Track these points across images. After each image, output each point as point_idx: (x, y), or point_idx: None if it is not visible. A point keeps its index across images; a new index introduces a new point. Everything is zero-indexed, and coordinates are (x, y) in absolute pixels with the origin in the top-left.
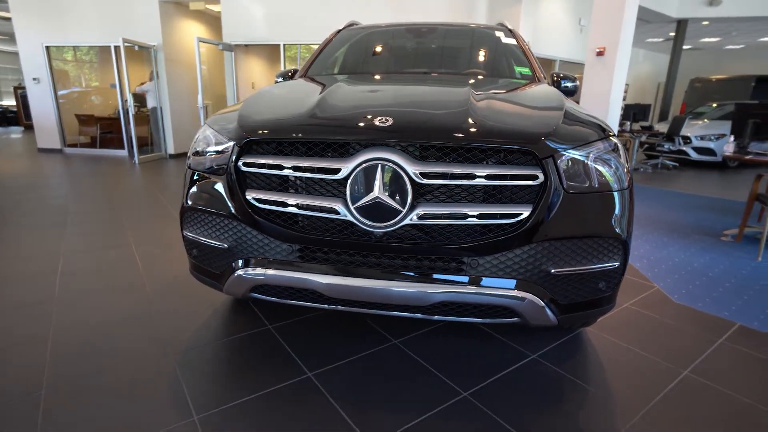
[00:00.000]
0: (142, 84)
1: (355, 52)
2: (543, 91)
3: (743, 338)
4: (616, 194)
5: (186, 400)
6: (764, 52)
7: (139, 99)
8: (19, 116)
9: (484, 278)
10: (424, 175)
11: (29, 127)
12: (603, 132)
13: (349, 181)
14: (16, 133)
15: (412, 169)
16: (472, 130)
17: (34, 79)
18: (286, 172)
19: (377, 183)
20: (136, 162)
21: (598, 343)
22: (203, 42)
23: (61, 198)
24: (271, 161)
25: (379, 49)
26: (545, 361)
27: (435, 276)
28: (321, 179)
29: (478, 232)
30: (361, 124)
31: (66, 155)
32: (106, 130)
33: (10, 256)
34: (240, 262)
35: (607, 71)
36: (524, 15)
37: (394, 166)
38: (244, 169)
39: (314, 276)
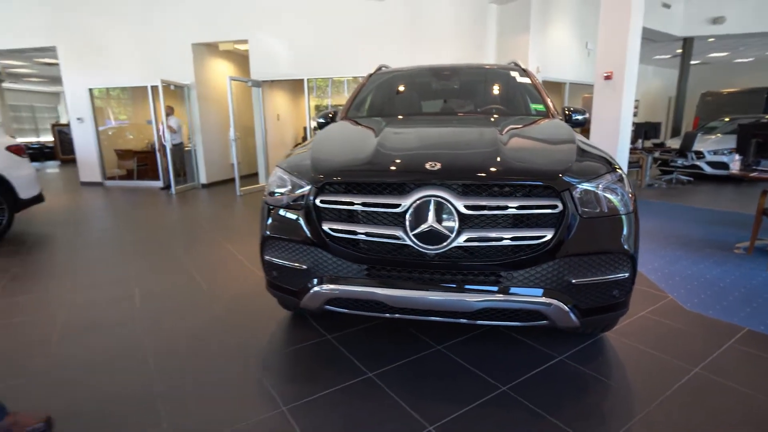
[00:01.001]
0: (168, 118)
1: (389, 95)
2: (557, 127)
3: (750, 341)
4: (623, 217)
5: (272, 395)
6: None
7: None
8: (56, 151)
9: (518, 288)
10: (467, 207)
11: (65, 162)
12: (610, 165)
13: (408, 214)
14: (53, 167)
15: (458, 202)
16: (504, 170)
17: (78, 118)
18: (356, 207)
19: (431, 214)
20: (173, 192)
21: (616, 346)
22: (234, 80)
23: (115, 228)
24: (344, 198)
25: (409, 91)
26: (571, 362)
27: (478, 287)
28: (384, 212)
29: (511, 251)
30: (416, 169)
31: (106, 188)
32: (141, 163)
33: (87, 284)
34: (315, 280)
35: (615, 94)
36: (532, 43)
37: (444, 201)
38: (320, 205)
39: (380, 289)
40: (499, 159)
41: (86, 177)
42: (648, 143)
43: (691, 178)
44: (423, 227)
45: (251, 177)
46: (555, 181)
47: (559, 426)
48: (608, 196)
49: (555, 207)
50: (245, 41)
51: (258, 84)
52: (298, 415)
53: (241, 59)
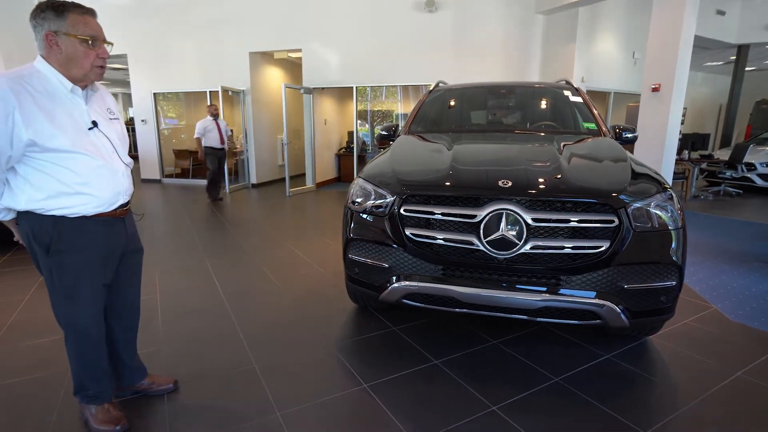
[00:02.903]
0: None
1: (449, 110)
2: (609, 146)
3: None
4: (672, 232)
5: (353, 374)
6: None
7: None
8: None
9: (575, 290)
10: (534, 219)
11: None
12: (660, 185)
13: (482, 224)
14: None
15: (526, 215)
16: (567, 188)
17: (143, 120)
18: (437, 216)
19: (502, 224)
20: (227, 191)
21: (660, 349)
22: (288, 87)
23: (181, 223)
24: (425, 208)
25: (468, 107)
26: (618, 360)
27: (539, 288)
28: (461, 221)
29: (570, 258)
30: (490, 186)
31: (164, 185)
32: (196, 163)
33: (172, 271)
34: (394, 277)
35: (663, 106)
36: (578, 53)
37: (514, 214)
38: (404, 213)
39: (453, 287)
40: (563, 178)
41: (146, 174)
42: (695, 154)
43: (740, 191)
44: (495, 235)
45: (298, 178)
46: (612, 200)
47: (609, 413)
48: (659, 213)
49: (612, 222)
50: (299, 50)
51: (309, 91)
52: (378, 391)
53: (292, 66)
